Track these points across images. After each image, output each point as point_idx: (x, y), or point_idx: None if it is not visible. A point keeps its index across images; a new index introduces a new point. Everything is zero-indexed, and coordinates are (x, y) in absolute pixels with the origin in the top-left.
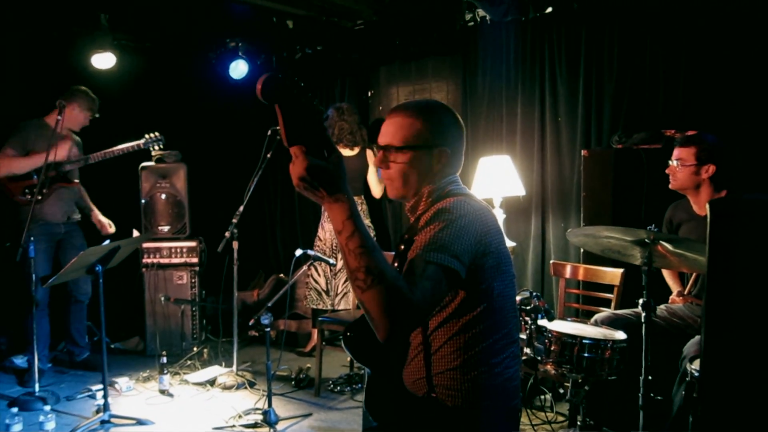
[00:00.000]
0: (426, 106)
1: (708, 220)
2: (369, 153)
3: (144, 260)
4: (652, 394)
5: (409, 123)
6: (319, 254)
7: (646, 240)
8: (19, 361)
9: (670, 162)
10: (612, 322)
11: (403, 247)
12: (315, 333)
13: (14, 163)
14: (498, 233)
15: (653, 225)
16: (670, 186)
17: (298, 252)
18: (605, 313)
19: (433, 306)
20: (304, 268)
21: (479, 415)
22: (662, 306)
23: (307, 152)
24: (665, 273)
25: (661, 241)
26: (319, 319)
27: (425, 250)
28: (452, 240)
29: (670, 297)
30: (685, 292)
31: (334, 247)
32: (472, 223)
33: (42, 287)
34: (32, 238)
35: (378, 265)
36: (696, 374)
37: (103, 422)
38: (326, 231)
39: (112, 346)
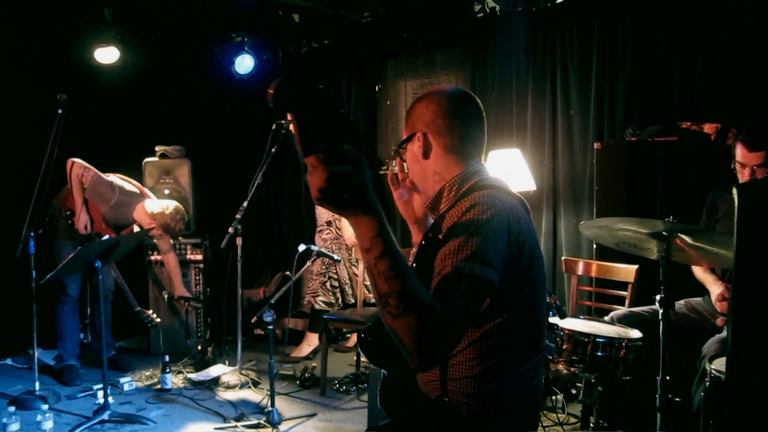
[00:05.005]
0: (412, 105)
1: (735, 205)
2: None
3: (148, 257)
4: (669, 395)
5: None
6: (323, 250)
7: (664, 232)
8: (47, 359)
9: (739, 166)
10: (628, 320)
11: (424, 242)
12: (309, 336)
13: (76, 189)
14: (531, 231)
15: (671, 216)
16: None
17: (302, 247)
18: (621, 310)
19: (470, 324)
20: (309, 264)
21: (496, 424)
22: (681, 302)
23: (326, 161)
24: (696, 270)
25: (679, 234)
26: (324, 317)
27: (456, 260)
28: (485, 245)
29: (713, 299)
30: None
31: None
32: (504, 223)
33: (73, 283)
34: (32, 234)
35: (412, 289)
36: (716, 374)
37: (102, 422)
38: None
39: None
